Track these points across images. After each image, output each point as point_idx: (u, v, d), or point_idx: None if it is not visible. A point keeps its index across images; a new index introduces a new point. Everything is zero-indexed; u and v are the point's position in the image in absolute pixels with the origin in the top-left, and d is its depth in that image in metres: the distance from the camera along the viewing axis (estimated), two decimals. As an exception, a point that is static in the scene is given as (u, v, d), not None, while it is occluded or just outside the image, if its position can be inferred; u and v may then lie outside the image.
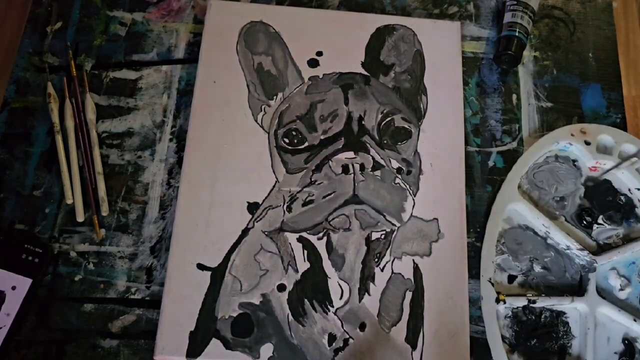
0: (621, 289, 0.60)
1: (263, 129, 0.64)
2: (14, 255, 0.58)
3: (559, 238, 0.62)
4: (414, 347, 0.56)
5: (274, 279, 0.58)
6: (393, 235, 0.60)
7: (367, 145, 0.62)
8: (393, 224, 0.60)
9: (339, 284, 0.58)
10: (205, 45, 0.67)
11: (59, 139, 0.63)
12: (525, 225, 0.63)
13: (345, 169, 0.61)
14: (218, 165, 0.62)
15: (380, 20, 0.69)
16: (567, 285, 0.61)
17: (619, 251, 0.61)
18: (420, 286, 0.58)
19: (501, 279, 0.61)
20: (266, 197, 0.61)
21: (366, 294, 0.58)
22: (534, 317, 0.59)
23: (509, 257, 0.62)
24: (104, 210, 0.61)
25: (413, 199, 0.61)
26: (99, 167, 0.63)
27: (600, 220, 0.63)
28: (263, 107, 0.64)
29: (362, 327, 0.57)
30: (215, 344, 0.55)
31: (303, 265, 0.58)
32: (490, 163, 0.66)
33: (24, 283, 0.57)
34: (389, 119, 0.64)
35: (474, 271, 0.60)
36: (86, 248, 0.60)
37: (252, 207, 0.60)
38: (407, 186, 0.62)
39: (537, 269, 0.61)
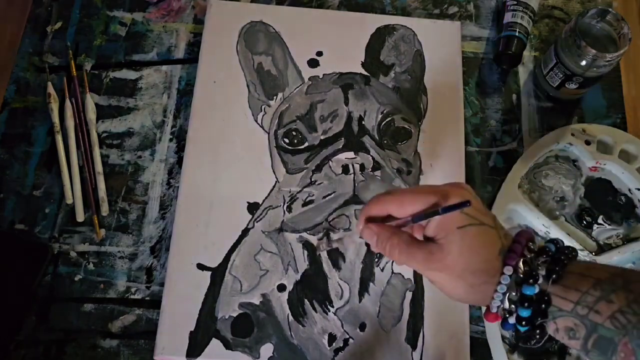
0: (621, 289, 0.60)
1: (263, 129, 0.63)
2: (14, 255, 0.59)
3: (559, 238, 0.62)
4: (414, 347, 0.56)
5: (274, 279, 0.58)
6: (393, 235, 0.60)
7: (367, 145, 0.62)
8: (393, 224, 0.60)
9: (339, 284, 0.58)
10: (205, 45, 0.67)
11: (59, 139, 0.63)
12: (525, 226, 0.63)
13: (345, 169, 0.61)
14: (218, 165, 0.62)
15: (380, 20, 0.69)
16: (567, 285, 0.61)
17: (619, 251, 0.61)
18: (420, 286, 0.58)
19: (501, 279, 0.61)
20: (266, 197, 0.61)
21: (366, 294, 0.58)
22: (534, 317, 0.59)
23: (509, 257, 0.61)
24: (104, 210, 0.61)
25: (413, 199, 0.61)
26: (99, 167, 0.63)
27: (600, 220, 0.63)
28: (263, 107, 0.64)
29: (362, 327, 0.57)
30: (215, 344, 0.55)
31: (303, 266, 0.58)
32: (490, 163, 0.66)
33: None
34: (389, 119, 0.64)
35: (474, 271, 0.60)
36: (86, 248, 0.60)
37: (252, 207, 0.60)
38: (407, 186, 0.62)
39: (537, 269, 0.61)
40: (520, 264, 0.39)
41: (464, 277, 0.40)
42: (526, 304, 0.39)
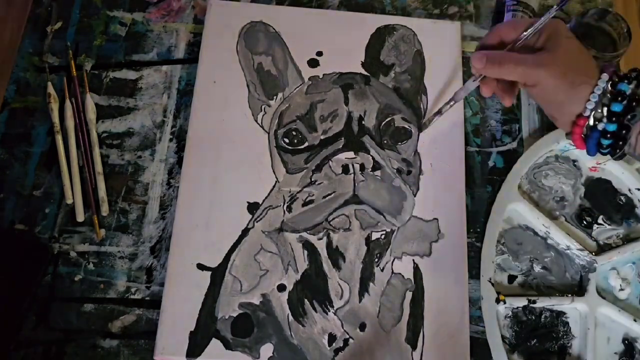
0: (621, 289, 0.60)
1: (263, 129, 0.64)
2: (14, 255, 0.58)
3: (559, 238, 0.62)
4: (414, 347, 0.56)
5: (274, 279, 0.58)
6: (393, 235, 0.60)
7: (367, 145, 0.62)
8: (393, 224, 0.60)
9: (339, 284, 0.58)
10: (205, 45, 0.67)
11: (59, 139, 0.63)
12: (525, 225, 0.63)
13: (345, 169, 0.61)
14: (218, 165, 0.62)
15: (380, 20, 0.69)
16: (567, 285, 0.61)
17: (619, 251, 0.61)
18: (420, 286, 0.58)
19: (501, 279, 0.61)
20: (266, 197, 0.61)
21: (366, 294, 0.58)
22: (534, 317, 0.59)
23: (509, 257, 0.62)
24: (104, 210, 0.61)
25: (413, 199, 0.61)
26: (99, 167, 0.63)
27: (600, 220, 0.63)
28: (263, 107, 0.64)
29: (362, 327, 0.57)
30: (215, 344, 0.55)
31: (303, 266, 0.58)
32: (490, 163, 0.66)
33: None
34: (389, 119, 0.64)
35: (474, 271, 0.60)
36: (86, 248, 0.60)
37: (252, 207, 0.60)
38: (407, 186, 0.62)
39: (537, 269, 0.61)
40: (609, 82, 0.47)
41: (567, 75, 0.47)
42: (613, 119, 0.47)
